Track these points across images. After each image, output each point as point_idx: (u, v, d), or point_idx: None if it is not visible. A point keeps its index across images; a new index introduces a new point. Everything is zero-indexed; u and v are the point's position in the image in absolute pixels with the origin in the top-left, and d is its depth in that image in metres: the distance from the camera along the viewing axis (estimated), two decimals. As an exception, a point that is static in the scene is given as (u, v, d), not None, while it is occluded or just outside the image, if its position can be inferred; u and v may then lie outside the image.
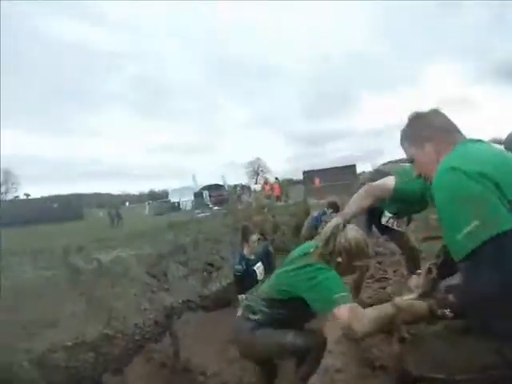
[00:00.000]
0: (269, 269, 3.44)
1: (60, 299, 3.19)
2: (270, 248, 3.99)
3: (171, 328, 3.22)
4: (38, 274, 3.74)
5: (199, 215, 15.77)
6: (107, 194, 39.75)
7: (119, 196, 38.95)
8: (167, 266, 4.77)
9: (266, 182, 18.03)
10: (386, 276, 4.00)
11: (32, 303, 2.91)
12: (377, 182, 2.05)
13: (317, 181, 21.26)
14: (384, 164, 2.93)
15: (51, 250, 5.28)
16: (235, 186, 30.30)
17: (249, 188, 29.12)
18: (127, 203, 12.27)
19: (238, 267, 3.43)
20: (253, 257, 3.48)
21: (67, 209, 21.56)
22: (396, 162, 2.74)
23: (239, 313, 1.78)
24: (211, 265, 5.30)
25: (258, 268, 3.44)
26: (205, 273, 4.95)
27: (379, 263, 4.46)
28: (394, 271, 4.06)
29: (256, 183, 36.13)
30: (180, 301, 3.72)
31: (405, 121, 1.20)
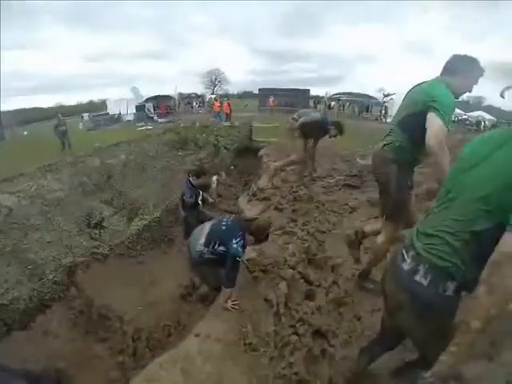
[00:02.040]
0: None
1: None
2: None
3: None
4: None
5: (139, 129, 14.70)
6: (34, 108, 33.50)
7: (51, 109, 33.05)
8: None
9: (216, 99, 16.93)
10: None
11: None
12: (433, 132, 1.56)
13: (271, 100, 22.06)
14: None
15: None
16: (188, 95, 28.04)
17: (203, 98, 27.52)
18: (59, 116, 10.28)
19: (191, 200, 3.18)
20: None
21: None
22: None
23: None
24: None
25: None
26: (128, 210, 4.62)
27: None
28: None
29: (213, 94, 33.80)
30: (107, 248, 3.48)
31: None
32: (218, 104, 16.02)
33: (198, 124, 9.81)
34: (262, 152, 7.22)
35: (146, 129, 14.69)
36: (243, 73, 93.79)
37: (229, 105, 16.17)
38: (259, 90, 27.13)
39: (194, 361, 1.79)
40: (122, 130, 14.74)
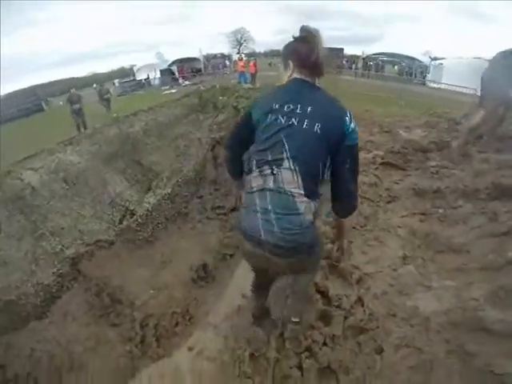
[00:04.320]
0: None
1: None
2: None
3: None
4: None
5: (164, 93, 14.39)
6: (69, 78, 34.09)
7: (85, 78, 33.61)
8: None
9: (240, 59, 15.86)
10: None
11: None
12: None
13: None
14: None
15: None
16: (214, 55, 26.83)
17: (229, 57, 26.37)
18: (94, 85, 10.23)
19: None
20: None
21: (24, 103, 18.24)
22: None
23: None
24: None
25: None
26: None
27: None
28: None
29: (238, 53, 32.33)
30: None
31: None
32: (243, 64, 14.82)
33: (218, 86, 9.18)
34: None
35: (171, 93, 14.29)
36: (271, 31, 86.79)
37: (255, 64, 14.98)
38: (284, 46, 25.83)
39: (183, 379, 1.67)
40: (148, 95, 14.60)
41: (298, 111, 1.14)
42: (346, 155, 1.16)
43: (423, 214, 2.67)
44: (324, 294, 1.99)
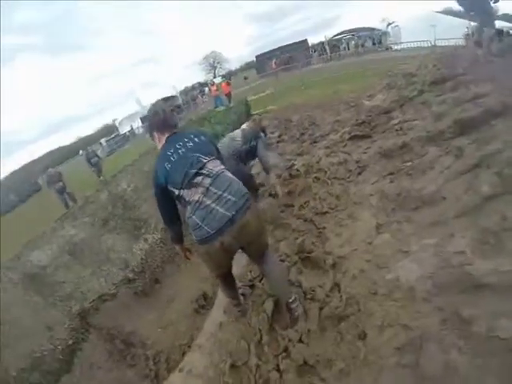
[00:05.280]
0: None
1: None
2: None
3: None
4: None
5: (150, 140, 14.58)
6: (58, 148, 35.55)
7: (74, 144, 34.65)
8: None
9: (211, 84, 16.17)
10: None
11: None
12: None
13: (273, 63, 21.31)
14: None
15: None
16: (192, 87, 27.14)
17: (207, 84, 26.87)
18: (80, 151, 10.24)
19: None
20: None
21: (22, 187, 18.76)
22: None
23: None
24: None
25: None
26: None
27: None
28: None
29: (214, 77, 32.99)
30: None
31: None
32: (215, 88, 15.10)
33: (194, 118, 9.36)
34: (261, 125, 6.54)
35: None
36: (242, 44, 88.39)
37: (227, 84, 15.25)
38: (256, 57, 26.64)
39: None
40: (134, 148, 14.91)
41: (183, 148, 1.52)
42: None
43: (392, 173, 2.56)
44: (296, 289, 1.88)
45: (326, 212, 2.54)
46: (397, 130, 3.15)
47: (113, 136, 21.91)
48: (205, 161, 1.49)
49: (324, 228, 2.38)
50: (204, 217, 1.39)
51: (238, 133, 3.06)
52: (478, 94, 2.86)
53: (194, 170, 1.44)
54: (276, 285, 1.75)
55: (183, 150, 1.50)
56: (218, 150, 1.67)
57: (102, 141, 21.52)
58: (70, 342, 2.85)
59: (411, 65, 5.01)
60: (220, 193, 1.42)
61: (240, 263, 2.33)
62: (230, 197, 1.41)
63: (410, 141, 2.78)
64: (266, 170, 3.27)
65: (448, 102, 2.97)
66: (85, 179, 10.37)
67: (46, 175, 8.38)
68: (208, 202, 1.40)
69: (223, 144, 2.90)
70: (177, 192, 1.46)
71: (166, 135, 1.58)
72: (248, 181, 2.67)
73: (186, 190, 1.44)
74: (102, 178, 8.86)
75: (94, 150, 11.02)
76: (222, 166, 1.56)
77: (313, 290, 1.81)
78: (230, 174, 1.55)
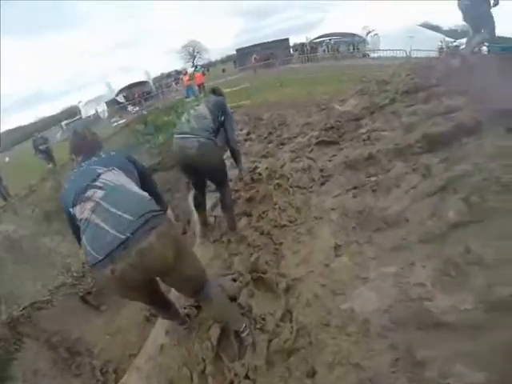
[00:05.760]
0: None
1: None
2: None
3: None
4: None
5: (114, 125, 13.73)
6: (15, 128, 32.29)
7: (33, 124, 31.64)
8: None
9: (184, 73, 15.48)
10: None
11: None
12: None
13: (253, 58, 20.95)
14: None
15: None
16: (168, 74, 25.92)
17: (186, 72, 26.03)
18: (36, 134, 8.85)
19: None
20: None
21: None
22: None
23: None
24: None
25: None
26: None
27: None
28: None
29: (193, 67, 31.91)
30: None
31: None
32: (187, 78, 14.40)
33: (160, 106, 8.77)
34: (231, 120, 6.19)
35: (118, 124, 13.65)
36: (224, 36, 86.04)
37: (203, 74, 14.60)
38: (236, 50, 26.21)
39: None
40: (97, 131, 13.84)
41: (85, 165, 1.38)
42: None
43: (356, 187, 2.36)
44: (247, 316, 1.66)
45: (285, 225, 2.30)
46: (364, 140, 2.96)
47: (75, 119, 20.30)
48: (100, 171, 1.28)
49: (281, 244, 2.15)
50: (92, 239, 1.13)
51: (203, 109, 2.30)
52: (451, 107, 2.72)
53: (86, 183, 1.24)
54: (222, 313, 1.53)
55: (84, 166, 1.36)
56: (135, 163, 1.48)
57: (63, 123, 19.93)
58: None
59: (385, 72, 4.92)
60: (113, 210, 1.15)
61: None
62: (125, 215, 1.13)
63: (376, 153, 2.61)
64: (236, 158, 2.80)
65: (419, 114, 2.82)
66: (35, 165, 9.31)
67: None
68: (97, 221, 1.14)
69: (194, 123, 2.18)
70: (72, 211, 1.25)
71: (80, 157, 1.45)
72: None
73: (77, 207, 1.22)
74: (50, 165, 7.97)
75: (44, 136, 9.87)
76: (125, 178, 1.30)
77: (263, 319, 1.62)
78: (133, 187, 1.28)
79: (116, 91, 21.96)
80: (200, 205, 2.62)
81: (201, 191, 2.53)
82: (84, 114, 20.51)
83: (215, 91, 2.70)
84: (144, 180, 1.45)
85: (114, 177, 1.27)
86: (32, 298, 3.11)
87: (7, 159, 17.53)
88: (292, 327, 1.52)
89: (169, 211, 1.63)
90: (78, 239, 1.29)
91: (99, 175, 1.27)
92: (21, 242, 4.23)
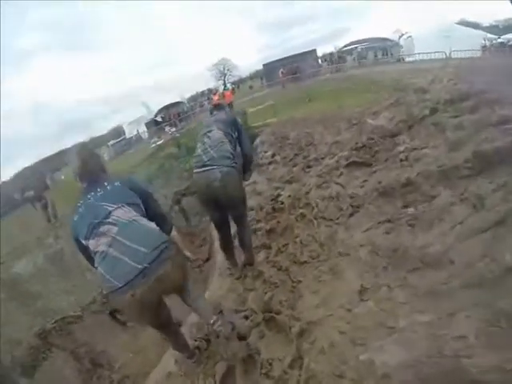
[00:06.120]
0: None
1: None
2: None
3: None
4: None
5: (153, 146, 14.53)
6: (73, 145, 35.22)
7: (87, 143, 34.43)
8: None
9: (214, 93, 16.02)
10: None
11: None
12: None
13: (280, 73, 20.73)
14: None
15: None
16: (202, 93, 26.86)
17: (216, 91, 27.06)
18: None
19: None
20: None
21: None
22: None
23: None
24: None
25: None
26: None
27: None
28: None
29: (224, 85, 33.02)
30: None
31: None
32: (217, 97, 14.82)
33: (193, 127, 9.04)
34: (256, 142, 6.11)
35: (156, 144, 14.41)
36: (253, 52, 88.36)
37: (232, 93, 14.92)
38: (263, 65, 25.58)
39: None
40: (136, 153, 14.75)
41: (92, 198, 1.47)
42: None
43: (389, 221, 2.05)
44: (253, 360, 1.50)
45: (305, 262, 2.08)
46: (401, 160, 2.63)
47: (120, 139, 21.97)
48: (110, 209, 1.40)
49: (299, 282, 1.94)
50: (111, 269, 1.31)
51: (216, 133, 2.11)
52: (506, 117, 2.30)
53: (98, 220, 1.37)
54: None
55: (92, 199, 1.44)
56: (138, 190, 1.54)
57: (110, 143, 21.61)
58: (29, 359, 2.79)
59: (423, 78, 4.49)
60: (129, 243, 1.32)
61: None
62: (140, 248, 1.31)
63: (416, 176, 2.28)
64: (248, 166, 2.44)
65: (466, 126, 2.44)
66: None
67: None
68: (115, 254, 1.31)
69: (213, 152, 2.02)
70: (85, 243, 1.40)
71: (85, 184, 1.52)
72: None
73: (91, 241, 1.37)
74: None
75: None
76: (134, 213, 1.43)
77: (270, 364, 1.45)
78: (142, 221, 1.43)
79: (154, 112, 23.42)
80: (228, 244, 2.34)
81: (226, 231, 2.27)
82: (127, 135, 22.07)
83: (218, 106, 2.55)
84: (148, 204, 1.54)
85: (125, 214, 1.40)
86: (65, 311, 3.33)
87: (63, 177, 19.49)
88: (300, 375, 1.35)
89: (174, 232, 1.66)
90: (91, 264, 1.48)
91: (110, 212, 1.39)
92: (61, 256, 4.55)
